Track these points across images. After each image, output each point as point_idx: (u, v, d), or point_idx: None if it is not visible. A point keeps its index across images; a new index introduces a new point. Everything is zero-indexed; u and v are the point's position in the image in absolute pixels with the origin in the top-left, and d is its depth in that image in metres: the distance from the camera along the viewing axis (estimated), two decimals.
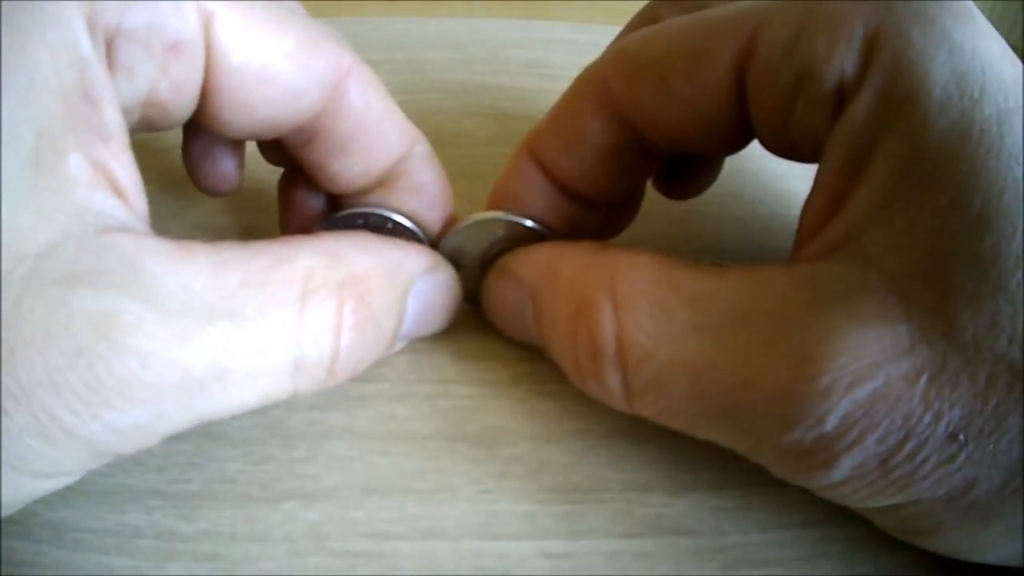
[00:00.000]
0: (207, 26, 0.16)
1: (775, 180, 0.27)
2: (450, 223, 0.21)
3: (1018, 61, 0.15)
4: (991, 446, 0.13)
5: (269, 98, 0.17)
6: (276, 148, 0.21)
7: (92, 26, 0.14)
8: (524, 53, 0.33)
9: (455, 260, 0.21)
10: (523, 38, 0.34)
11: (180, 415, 0.14)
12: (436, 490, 0.19)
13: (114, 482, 0.18)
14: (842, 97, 0.16)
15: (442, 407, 0.20)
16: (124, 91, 0.15)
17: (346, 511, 0.18)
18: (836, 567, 0.18)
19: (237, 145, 0.21)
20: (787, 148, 0.18)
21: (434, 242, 0.21)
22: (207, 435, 0.19)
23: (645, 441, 0.19)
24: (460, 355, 0.21)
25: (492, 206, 0.21)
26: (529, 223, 0.20)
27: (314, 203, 0.21)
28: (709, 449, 0.17)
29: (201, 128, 0.18)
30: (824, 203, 0.16)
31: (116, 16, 0.15)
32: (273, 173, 0.22)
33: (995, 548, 0.15)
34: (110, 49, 0.15)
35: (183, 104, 0.16)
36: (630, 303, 0.16)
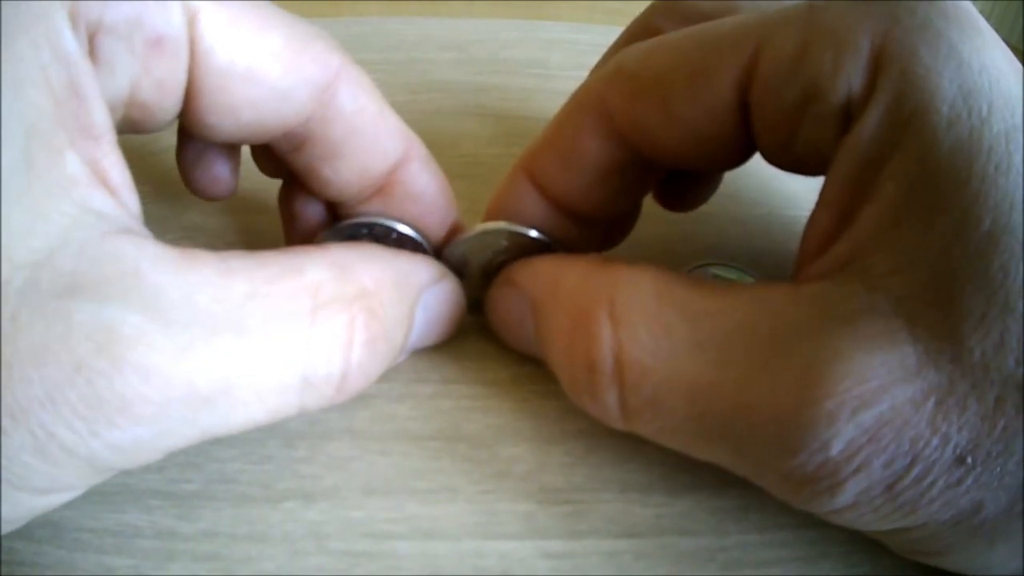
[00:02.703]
0: (192, 24, 0.15)
1: (775, 180, 0.27)
2: (454, 228, 0.21)
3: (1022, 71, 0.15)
4: (999, 468, 0.13)
5: (255, 99, 0.17)
6: (270, 157, 0.20)
7: (75, 21, 0.14)
8: (524, 53, 0.33)
9: (458, 270, 0.21)
10: (523, 38, 0.34)
11: (184, 431, 0.14)
12: (436, 490, 0.19)
13: (114, 482, 0.18)
14: (848, 114, 0.15)
15: (442, 407, 0.20)
16: (106, 88, 0.15)
17: (346, 511, 0.18)
18: (836, 567, 0.18)
19: (232, 149, 0.21)
20: (791, 163, 0.18)
21: (437, 248, 0.21)
22: None
23: (645, 441, 0.19)
24: (461, 355, 0.21)
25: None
26: (533, 233, 0.20)
27: (315, 211, 0.21)
28: None
29: (192, 133, 0.18)
30: (829, 221, 0.16)
31: (98, 11, 0.14)
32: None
33: (1001, 566, 0.15)
34: (92, 45, 0.14)
35: (167, 105, 0.16)
36: (629, 318, 0.16)
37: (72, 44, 0.14)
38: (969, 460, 0.13)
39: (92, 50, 0.14)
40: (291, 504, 0.18)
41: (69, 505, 0.17)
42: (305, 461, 0.19)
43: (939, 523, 0.14)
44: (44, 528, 0.17)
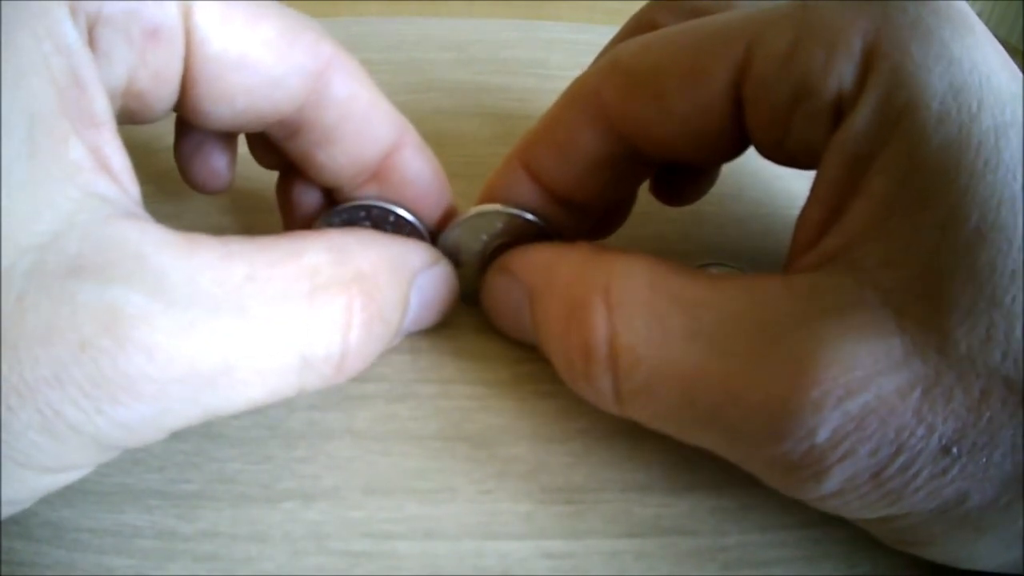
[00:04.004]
0: (186, 14, 0.16)
1: (774, 180, 0.27)
2: (449, 213, 0.21)
3: (1017, 71, 0.15)
4: (984, 459, 0.13)
5: (249, 87, 0.17)
6: (266, 147, 0.21)
7: (74, 12, 0.14)
8: (524, 53, 0.33)
9: (454, 254, 0.21)
10: (523, 38, 0.34)
11: (186, 410, 0.14)
12: (436, 490, 0.19)
13: (113, 482, 0.18)
14: (840, 110, 0.16)
15: (442, 407, 0.20)
16: (105, 79, 0.15)
17: (346, 511, 0.18)
18: (836, 567, 0.18)
19: (229, 142, 0.21)
20: (785, 158, 0.18)
21: (433, 233, 0.21)
22: (207, 435, 0.19)
23: (645, 441, 0.19)
24: (460, 355, 0.21)
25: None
26: (528, 215, 0.20)
27: (312, 199, 0.21)
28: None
29: (189, 123, 0.18)
30: (820, 215, 0.16)
31: (96, 3, 0.14)
32: (273, 173, 0.22)
33: (989, 557, 0.15)
34: (91, 36, 0.15)
35: (163, 94, 0.16)
36: (624, 306, 0.16)
37: (72, 34, 0.14)
38: (954, 450, 0.13)
39: (91, 41, 0.15)
40: (291, 504, 0.18)
41: (69, 505, 0.17)
42: (305, 461, 0.19)
43: (925, 512, 0.14)
44: (44, 528, 0.17)
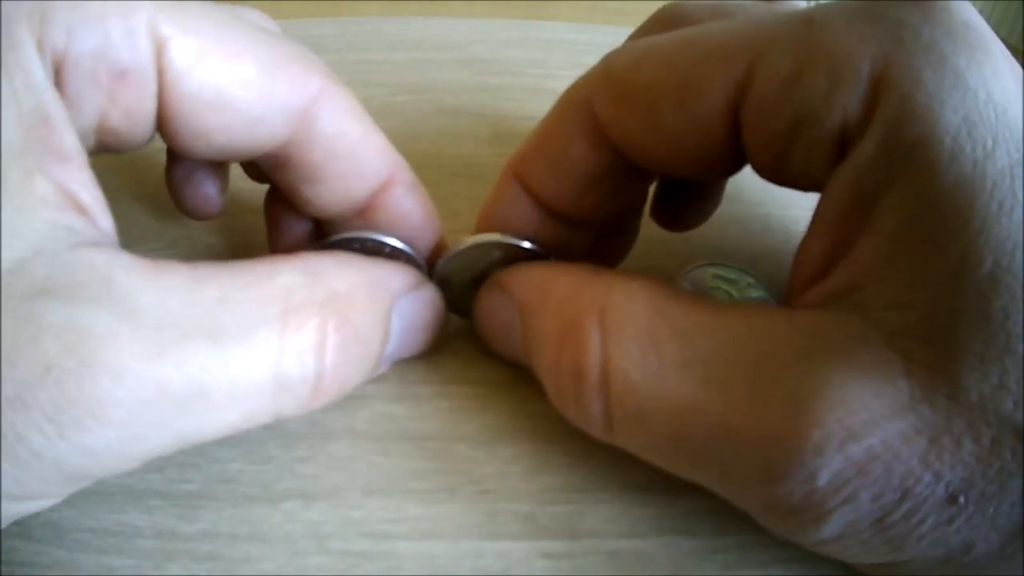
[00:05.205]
0: (160, 53, 0.15)
1: None
2: (438, 250, 0.21)
3: None
4: (991, 509, 0.13)
5: (227, 125, 0.17)
6: (256, 166, 0.20)
7: (41, 49, 0.14)
8: (524, 53, 0.33)
9: (451, 282, 0.20)
10: (523, 38, 0.34)
11: (159, 436, 0.14)
12: (435, 490, 0.19)
13: (114, 482, 0.18)
14: (844, 140, 0.15)
15: (441, 407, 0.20)
16: (74, 119, 0.15)
17: (346, 511, 0.18)
18: (836, 567, 0.18)
19: (220, 168, 0.21)
20: (784, 181, 0.17)
21: (428, 265, 0.21)
22: None
23: None
24: (459, 355, 0.21)
25: (480, 231, 0.20)
26: (526, 244, 0.19)
27: (298, 222, 0.21)
28: None
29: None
30: (825, 248, 0.15)
31: (63, 43, 0.14)
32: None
33: None
34: (58, 77, 0.15)
35: (137, 131, 0.16)
36: (619, 331, 0.16)
37: (40, 72, 0.14)
38: (961, 500, 0.13)
39: (58, 82, 0.15)
40: (291, 504, 0.18)
41: (69, 505, 0.17)
42: (305, 461, 0.19)
43: (928, 560, 0.14)
44: (44, 528, 0.17)
